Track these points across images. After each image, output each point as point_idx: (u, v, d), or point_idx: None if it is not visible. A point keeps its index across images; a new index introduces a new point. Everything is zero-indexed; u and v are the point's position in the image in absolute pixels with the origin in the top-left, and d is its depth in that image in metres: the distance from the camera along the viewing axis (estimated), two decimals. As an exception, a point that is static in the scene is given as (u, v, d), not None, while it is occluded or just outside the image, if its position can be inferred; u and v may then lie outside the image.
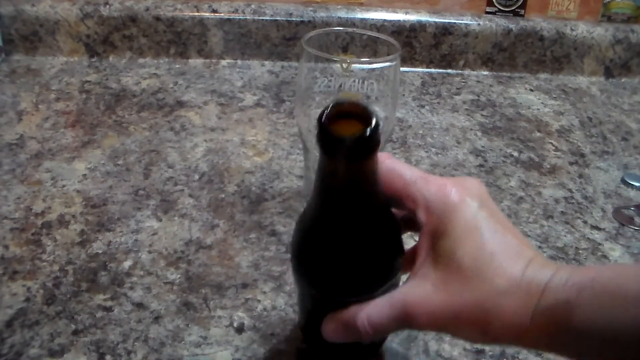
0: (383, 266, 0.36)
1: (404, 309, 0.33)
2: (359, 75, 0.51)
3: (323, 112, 0.30)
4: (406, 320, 0.33)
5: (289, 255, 0.43)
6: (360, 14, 0.88)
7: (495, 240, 0.32)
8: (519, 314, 0.30)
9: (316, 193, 0.34)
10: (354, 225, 0.34)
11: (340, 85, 0.51)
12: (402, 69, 0.93)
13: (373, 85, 0.51)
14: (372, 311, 0.34)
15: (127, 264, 0.51)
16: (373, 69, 0.52)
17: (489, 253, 0.31)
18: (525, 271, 0.31)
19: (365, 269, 0.35)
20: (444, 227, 0.33)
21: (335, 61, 0.50)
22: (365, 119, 0.30)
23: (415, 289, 0.33)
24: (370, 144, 0.30)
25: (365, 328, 0.34)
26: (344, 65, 0.50)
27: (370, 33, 0.57)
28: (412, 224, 0.36)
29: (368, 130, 0.29)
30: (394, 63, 0.52)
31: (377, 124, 0.30)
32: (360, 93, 0.51)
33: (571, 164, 0.71)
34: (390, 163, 0.36)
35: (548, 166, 0.70)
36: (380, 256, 0.36)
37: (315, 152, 0.54)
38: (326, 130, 0.30)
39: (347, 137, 0.29)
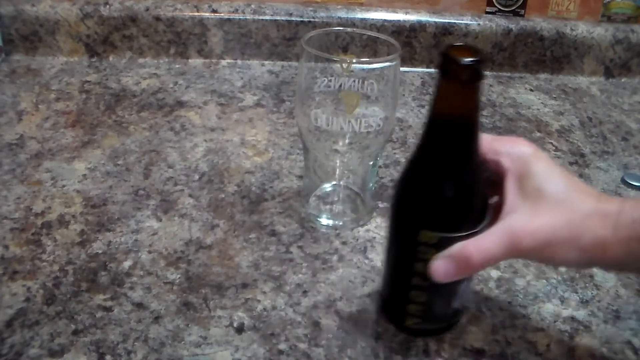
0: (486, 200, 0.41)
1: (510, 235, 0.38)
2: (359, 75, 0.51)
3: (444, 48, 0.38)
4: (513, 244, 0.38)
5: (389, 204, 0.44)
6: (360, 14, 0.88)
7: (570, 180, 0.40)
8: (604, 228, 0.37)
9: (429, 129, 0.40)
10: (465, 157, 0.39)
11: (340, 85, 0.51)
12: (402, 69, 0.93)
13: (373, 85, 0.51)
14: (482, 241, 0.38)
15: (127, 264, 0.51)
16: (373, 69, 0.52)
17: (569, 188, 0.39)
18: (599, 200, 0.38)
19: (475, 201, 0.40)
20: (527, 170, 0.40)
21: (335, 61, 0.50)
22: (475, 53, 0.37)
23: (515, 219, 0.39)
24: (481, 68, 0.37)
25: (477, 258, 0.38)
26: (344, 65, 0.50)
27: (370, 33, 0.57)
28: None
29: (479, 57, 0.37)
30: (394, 63, 0.52)
31: (485, 57, 0.39)
32: (360, 93, 0.51)
33: (571, 164, 0.71)
34: None
35: (548, 166, 0.70)
36: (484, 190, 0.41)
37: (316, 152, 0.54)
38: (448, 55, 0.37)
39: (465, 59, 0.36)
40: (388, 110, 0.53)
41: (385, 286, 0.47)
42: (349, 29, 0.58)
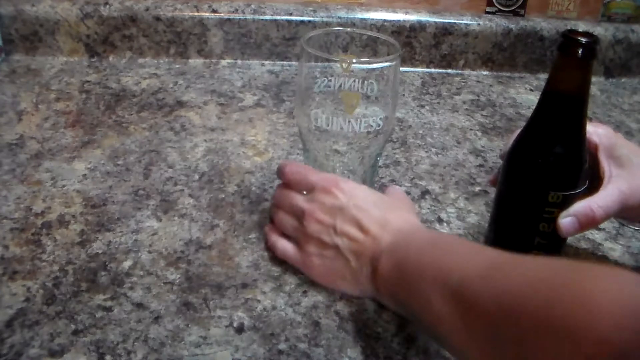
0: (587, 165, 0.47)
1: (620, 193, 0.46)
2: (359, 75, 0.51)
3: (565, 31, 0.44)
4: (623, 201, 0.46)
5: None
6: (360, 14, 0.88)
7: None
8: None
9: (549, 102, 0.46)
10: (580, 124, 0.45)
11: (340, 86, 0.51)
12: (402, 69, 0.93)
13: (373, 85, 0.51)
14: (600, 200, 0.46)
15: (127, 264, 0.51)
16: (373, 69, 0.52)
17: None
18: None
19: (585, 163, 0.46)
20: (615, 143, 0.49)
21: (335, 61, 0.51)
22: (590, 35, 0.44)
23: (620, 181, 0.47)
24: (595, 47, 0.43)
25: (599, 213, 0.46)
26: (344, 65, 0.50)
27: (370, 33, 0.57)
28: None
29: (594, 38, 0.43)
30: (394, 63, 0.52)
31: (597, 40, 0.44)
32: (360, 93, 0.51)
33: (571, 164, 0.71)
34: None
35: (548, 166, 0.70)
36: (587, 155, 0.47)
37: (316, 152, 0.54)
38: (568, 35, 0.43)
39: (582, 39, 0.43)
40: (388, 110, 0.53)
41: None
42: (348, 29, 0.58)
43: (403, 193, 0.55)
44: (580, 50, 0.43)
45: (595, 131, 0.49)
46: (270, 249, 0.53)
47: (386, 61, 0.52)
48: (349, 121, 0.50)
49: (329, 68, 0.51)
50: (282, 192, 0.52)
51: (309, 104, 0.53)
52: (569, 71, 0.44)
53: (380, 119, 0.51)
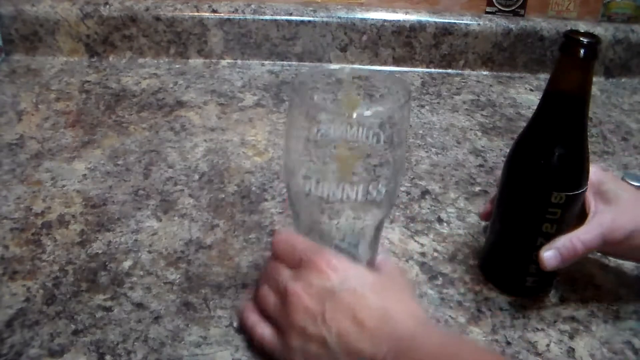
0: (589, 164, 0.47)
1: (604, 229, 0.47)
2: (363, 122, 0.41)
3: (567, 31, 0.45)
4: (605, 235, 0.47)
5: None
6: (360, 14, 0.88)
7: (633, 190, 0.50)
8: None
9: (550, 102, 0.46)
10: (582, 124, 0.46)
11: (332, 144, 0.41)
12: (402, 69, 0.93)
13: (379, 135, 0.41)
14: (583, 235, 0.47)
15: (127, 264, 0.51)
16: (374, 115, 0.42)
17: (636, 195, 0.49)
18: None
19: (587, 162, 0.47)
20: (603, 181, 0.49)
21: (334, 114, 0.42)
22: (591, 36, 0.44)
23: (605, 217, 0.47)
24: (596, 48, 0.44)
25: (581, 248, 0.46)
26: (346, 115, 0.41)
27: (367, 71, 0.46)
28: None
29: (595, 39, 0.43)
30: (404, 108, 0.41)
31: (599, 40, 0.44)
32: (356, 154, 0.41)
33: (571, 164, 0.71)
34: None
35: (548, 166, 0.70)
36: (588, 154, 0.47)
37: (307, 219, 0.44)
38: (570, 35, 0.44)
39: (584, 39, 0.43)
40: (391, 171, 0.42)
41: (502, 253, 0.51)
42: (338, 67, 0.50)
43: (398, 269, 0.50)
44: (582, 50, 0.43)
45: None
46: (246, 331, 0.45)
47: (395, 106, 0.42)
48: (344, 187, 0.40)
49: (323, 112, 0.42)
50: (269, 264, 0.45)
51: (298, 163, 0.42)
52: (571, 71, 0.45)
53: (382, 185, 0.41)
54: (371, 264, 0.46)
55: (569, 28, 0.90)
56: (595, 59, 0.44)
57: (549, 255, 0.47)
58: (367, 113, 0.42)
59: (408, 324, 0.39)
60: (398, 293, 0.42)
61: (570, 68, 0.45)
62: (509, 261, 0.51)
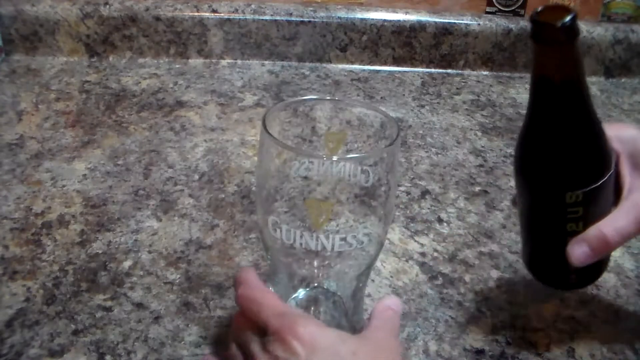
0: (605, 138, 0.41)
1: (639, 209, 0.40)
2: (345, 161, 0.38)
3: (533, 13, 0.37)
4: None
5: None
6: (360, 14, 0.88)
7: None
8: None
9: (541, 96, 0.40)
10: (583, 110, 0.40)
11: (311, 185, 0.37)
12: (402, 69, 0.93)
13: (368, 173, 0.37)
14: (615, 221, 0.40)
15: (127, 264, 0.51)
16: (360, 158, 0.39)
17: None
18: None
19: (601, 146, 0.41)
20: (639, 150, 0.42)
21: (315, 156, 0.38)
22: (566, 12, 0.37)
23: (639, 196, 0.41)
24: (572, 27, 0.36)
25: (613, 237, 0.40)
26: (326, 154, 0.37)
27: (354, 105, 0.42)
28: None
29: (568, 17, 0.36)
30: (393, 148, 0.37)
31: (575, 15, 0.36)
32: (332, 201, 0.38)
33: (571, 164, 0.71)
34: None
35: (548, 166, 0.70)
36: (602, 131, 0.41)
37: (281, 266, 0.41)
38: (537, 20, 0.37)
39: (554, 22, 0.36)
40: (376, 222, 0.38)
41: (539, 254, 0.46)
42: (314, 98, 0.43)
43: (390, 328, 0.39)
44: (555, 34, 0.37)
45: (617, 136, 0.43)
46: None
47: (384, 148, 0.37)
48: (318, 237, 0.36)
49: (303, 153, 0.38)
50: (236, 318, 0.39)
51: (268, 204, 0.39)
52: (551, 58, 0.38)
53: (364, 234, 0.37)
54: (355, 321, 0.42)
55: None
56: (575, 37, 0.37)
57: (577, 251, 0.41)
58: (351, 156, 0.38)
59: None
60: None
61: (549, 55, 0.38)
62: (545, 262, 0.46)
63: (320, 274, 0.39)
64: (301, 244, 0.36)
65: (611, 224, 0.41)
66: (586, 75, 0.39)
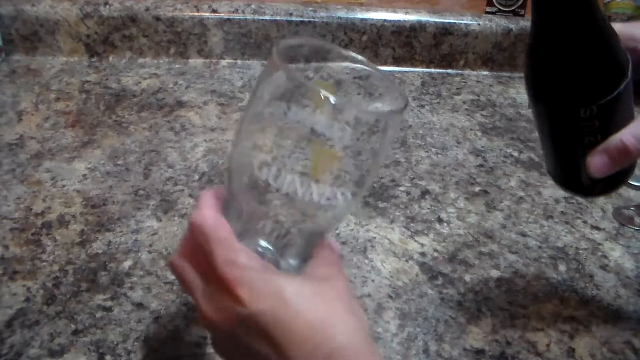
0: (618, 41, 0.39)
1: None
2: (344, 117, 0.34)
3: None
4: None
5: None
6: (360, 14, 0.88)
7: None
8: None
9: (543, 8, 0.37)
10: (589, 18, 0.37)
11: (311, 130, 0.34)
12: (402, 69, 0.93)
13: (366, 138, 0.35)
14: (635, 129, 0.39)
15: (127, 264, 0.51)
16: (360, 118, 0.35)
17: None
18: None
19: (613, 54, 0.38)
20: None
21: (306, 89, 0.35)
22: None
23: None
24: None
25: (634, 144, 0.39)
26: (317, 99, 0.34)
27: (367, 68, 0.41)
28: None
29: None
30: (398, 116, 0.36)
31: None
32: (341, 152, 0.35)
33: (571, 164, 0.71)
34: None
35: (548, 166, 0.70)
36: (613, 34, 0.39)
37: (243, 204, 0.38)
38: None
39: None
40: (360, 185, 0.37)
41: (561, 167, 0.45)
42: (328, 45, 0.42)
43: (335, 268, 0.38)
44: None
45: (633, 34, 0.42)
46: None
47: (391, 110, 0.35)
48: (309, 186, 0.34)
49: (302, 94, 0.36)
50: (185, 248, 0.38)
51: (257, 139, 0.36)
52: None
53: (350, 193, 0.36)
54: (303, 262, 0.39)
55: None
56: None
57: (597, 162, 0.41)
58: (367, 108, 0.37)
59: (333, 344, 0.33)
60: (327, 306, 0.35)
61: None
62: (568, 174, 0.45)
63: (286, 225, 0.37)
64: (289, 191, 0.34)
65: (631, 133, 0.40)
66: None
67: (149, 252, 0.53)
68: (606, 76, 0.38)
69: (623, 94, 0.39)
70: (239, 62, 0.90)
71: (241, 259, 0.34)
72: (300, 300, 0.34)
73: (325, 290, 0.36)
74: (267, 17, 0.87)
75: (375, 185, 0.63)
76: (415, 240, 0.57)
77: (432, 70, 0.93)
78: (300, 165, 0.35)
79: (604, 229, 0.60)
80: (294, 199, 0.35)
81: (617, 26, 0.40)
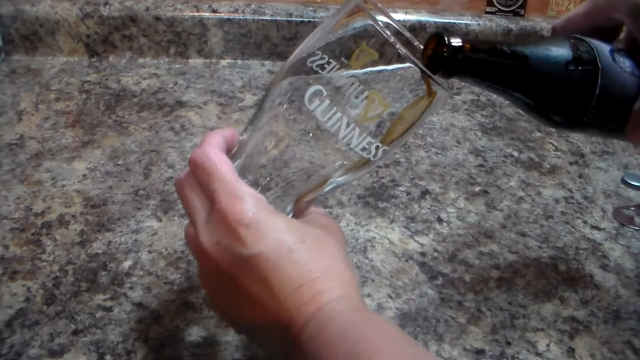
0: (585, 56, 0.40)
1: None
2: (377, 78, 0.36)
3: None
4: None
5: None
6: (360, 14, 0.88)
7: None
8: None
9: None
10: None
11: (365, 81, 0.35)
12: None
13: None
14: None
15: (127, 264, 0.51)
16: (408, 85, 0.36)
17: None
18: None
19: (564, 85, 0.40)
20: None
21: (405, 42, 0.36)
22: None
23: None
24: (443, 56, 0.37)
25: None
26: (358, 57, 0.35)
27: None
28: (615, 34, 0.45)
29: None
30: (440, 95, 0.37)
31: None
32: (388, 106, 0.35)
33: (571, 163, 0.71)
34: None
35: (548, 166, 0.70)
36: (568, 50, 0.40)
37: (261, 138, 0.38)
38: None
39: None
40: (393, 146, 0.38)
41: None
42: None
43: (332, 222, 0.39)
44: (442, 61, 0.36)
45: (611, 3, 0.43)
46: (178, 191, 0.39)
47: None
48: (355, 128, 0.35)
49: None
50: (186, 179, 0.37)
51: (313, 70, 0.35)
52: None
53: (383, 150, 0.37)
54: (301, 211, 0.40)
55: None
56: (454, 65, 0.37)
57: (635, 137, 0.42)
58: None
59: (329, 296, 0.33)
60: (328, 257, 0.35)
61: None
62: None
63: (300, 167, 0.37)
64: (332, 126, 0.34)
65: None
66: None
67: (149, 252, 0.53)
68: (577, 87, 0.39)
69: (605, 83, 0.40)
70: (239, 62, 0.90)
71: (245, 198, 0.34)
72: (303, 247, 0.33)
73: (327, 240, 0.35)
74: (267, 17, 0.87)
75: (375, 185, 0.63)
76: (415, 240, 0.57)
77: (432, 70, 0.92)
78: (352, 105, 0.35)
79: (604, 229, 0.60)
80: (332, 137, 0.35)
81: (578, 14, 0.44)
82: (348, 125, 0.34)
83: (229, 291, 0.34)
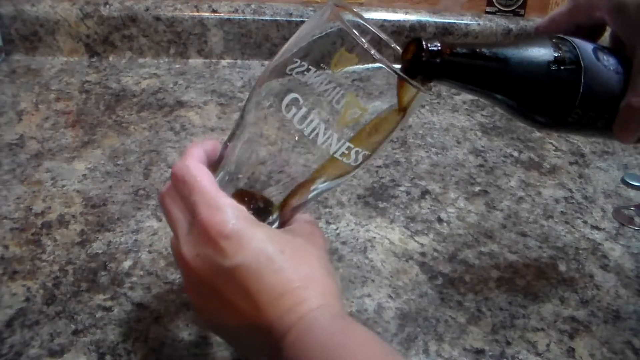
0: (566, 55, 0.40)
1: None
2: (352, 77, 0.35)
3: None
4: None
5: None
6: (360, 14, 0.88)
7: None
8: None
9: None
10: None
11: (340, 86, 0.35)
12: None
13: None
14: (635, 88, 0.40)
15: (127, 264, 0.51)
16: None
17: None
18: None
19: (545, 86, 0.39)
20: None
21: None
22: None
23: None
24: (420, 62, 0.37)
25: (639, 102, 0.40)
26: (336, 61, 0.35)
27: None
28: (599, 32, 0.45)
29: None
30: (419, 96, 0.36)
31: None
32: (367, 108, 0.36)
33: (571, 164, 0.71)
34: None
35: (548, 166, 0.70)
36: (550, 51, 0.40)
37: (248, 142, 0.40)
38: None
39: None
40: (372, 151, 0.37)
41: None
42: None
43: (316, 228, 0.40)
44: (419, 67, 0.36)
45: (591, 2, 0.43)
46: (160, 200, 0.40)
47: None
48: (331, 135, 0.35)
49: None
50: (168, 192, 0.38)
51: (294, 77, 0.35)
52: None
53: (362, 154, 0.36)
54: (286, 216, 0.39)
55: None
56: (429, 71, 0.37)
57: (622, 135, 0.42)
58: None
59: (309, 305, 0.33)
60: (308, 266, 0.35)
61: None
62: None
63: (283, 174, 0.37)
64: (311, 132, 0.34)
65: (633, 95, 0.40)
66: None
67: (149, 252, 0.53)
68: (560, 87, 0.39)
69: (589, 82, 0.39)
70: (239, 62, 0.90)
71: (225, 210, 0.34)
72: (283, 257, 0.34)
73: (307, 249, 0.36)
74: (267, 17, 0.87)
75: (375, 185, 0.63)
76: (415, 240, 0.57)
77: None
78: (330, 110, 0.34)
79: (604, 229, 0.60)
80: (311, 143, 0.34)
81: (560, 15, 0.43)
82: (326, 131, 0.34)
83: (212, 300, 0.34)
